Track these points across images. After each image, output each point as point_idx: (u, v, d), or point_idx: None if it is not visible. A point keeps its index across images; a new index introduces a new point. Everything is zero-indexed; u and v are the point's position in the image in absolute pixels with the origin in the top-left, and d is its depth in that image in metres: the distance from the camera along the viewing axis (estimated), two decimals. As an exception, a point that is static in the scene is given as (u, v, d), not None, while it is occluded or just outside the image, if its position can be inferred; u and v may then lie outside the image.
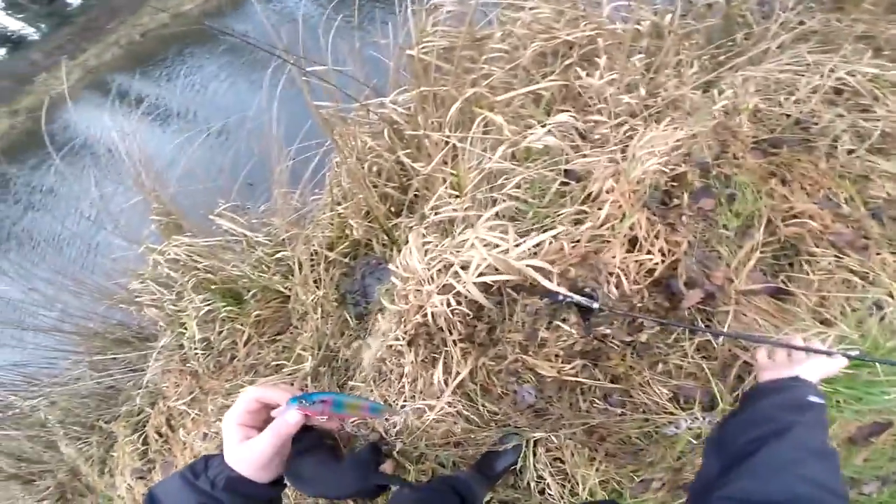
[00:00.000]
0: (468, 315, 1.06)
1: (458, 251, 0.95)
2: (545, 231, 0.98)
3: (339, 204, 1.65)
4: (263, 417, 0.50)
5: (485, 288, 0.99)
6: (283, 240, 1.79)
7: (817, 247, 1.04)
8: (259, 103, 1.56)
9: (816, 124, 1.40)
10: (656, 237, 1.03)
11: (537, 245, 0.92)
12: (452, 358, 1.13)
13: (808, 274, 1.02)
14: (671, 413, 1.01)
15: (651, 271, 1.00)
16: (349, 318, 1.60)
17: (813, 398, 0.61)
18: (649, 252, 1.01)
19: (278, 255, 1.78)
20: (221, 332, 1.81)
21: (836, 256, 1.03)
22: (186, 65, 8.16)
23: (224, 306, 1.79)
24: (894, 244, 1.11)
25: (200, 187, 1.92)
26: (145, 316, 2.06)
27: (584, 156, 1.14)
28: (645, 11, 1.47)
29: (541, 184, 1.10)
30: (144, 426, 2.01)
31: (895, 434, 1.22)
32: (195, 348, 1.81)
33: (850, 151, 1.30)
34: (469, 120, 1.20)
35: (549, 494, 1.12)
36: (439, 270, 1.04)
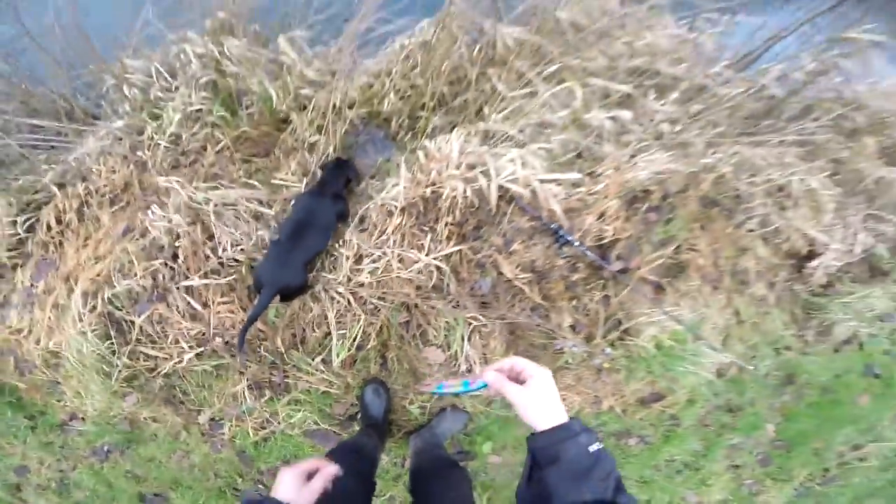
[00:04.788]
0: (469, 207, 1.39)
1: (495, 157, 1.25)
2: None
3: (388, 75, 1.74)
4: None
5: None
6: (313, 80, 1.75)
7: (694, 273, 1.56)
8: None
9: (748, 203, 1.90)
10: (616, 220, 1.44)
11: (550, 181, 1.27)
12: (439, 235, 1.47)
13: (680, 285, 1.54)
14: (565, 337, 1.51)
15: (601, 239, 1.43)
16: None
17: (594, 447, 0.58)
18: (607, 226, 1.43)
19: (302, 91, 1.75)
20: (197, 133, 1.71)
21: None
22: None
23: (218, 110, 1.72)
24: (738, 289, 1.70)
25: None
26: (111, 95, 1.86)
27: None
28: (714, 82, 1.75)
29: (567, 147, 1.42)
30: (39, 209, 1.65)
31: (662, 407, 1.88)
32: (160, 139, 1.67)
33: (750, 230, 1.83)
34: (552, 80, 1.44)
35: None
36: (469, 165, 1.34)
